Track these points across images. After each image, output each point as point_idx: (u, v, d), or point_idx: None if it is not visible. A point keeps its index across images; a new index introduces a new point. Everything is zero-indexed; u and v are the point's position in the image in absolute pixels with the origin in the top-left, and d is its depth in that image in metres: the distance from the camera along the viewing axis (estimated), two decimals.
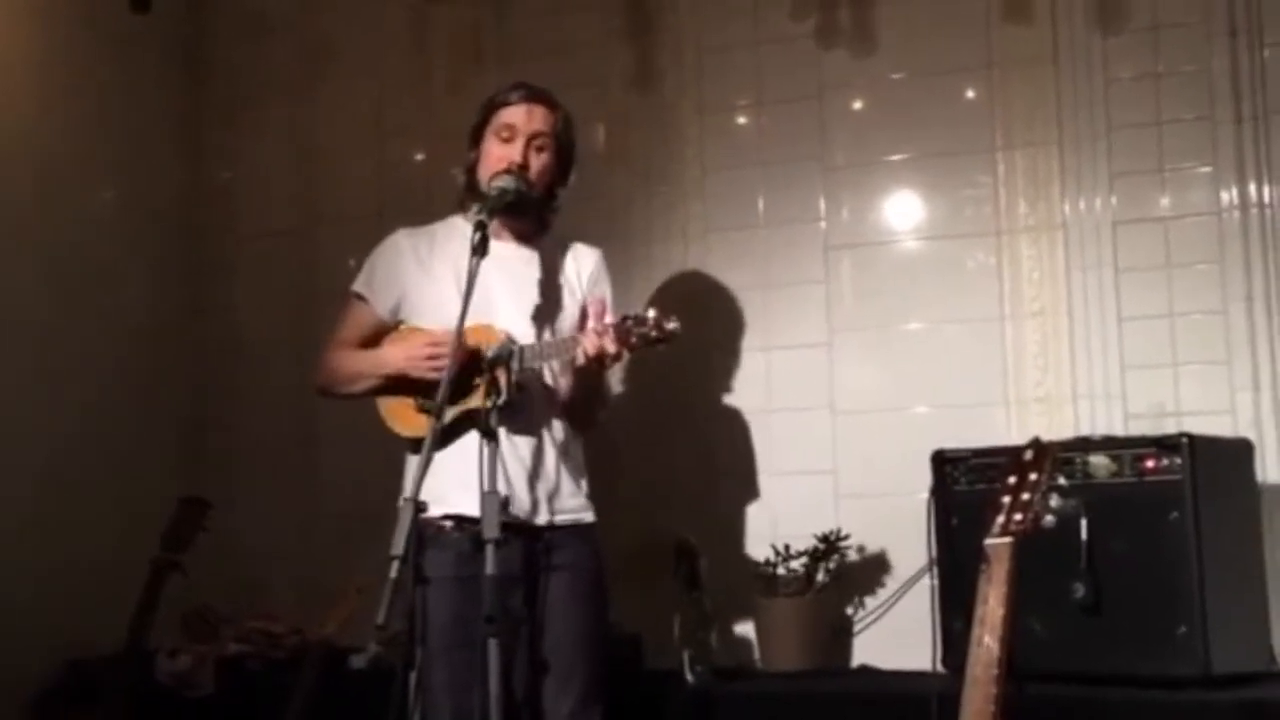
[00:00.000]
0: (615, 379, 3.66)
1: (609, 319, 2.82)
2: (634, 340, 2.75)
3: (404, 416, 2.97)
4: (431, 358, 2.89)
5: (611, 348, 2.76)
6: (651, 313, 2.77)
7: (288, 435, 4.36)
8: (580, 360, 2.81)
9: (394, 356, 3.00)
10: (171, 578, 3.54)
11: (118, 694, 3.50)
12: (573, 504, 3.02)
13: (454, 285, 2.88)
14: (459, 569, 2.72)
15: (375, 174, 4.41)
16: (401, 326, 3.10)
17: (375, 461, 3.88)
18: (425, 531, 2.80)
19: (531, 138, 3.02)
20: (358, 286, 3.15)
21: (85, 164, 4.21)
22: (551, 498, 2.97)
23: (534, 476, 2.94)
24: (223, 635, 3.91)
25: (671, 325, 2.73)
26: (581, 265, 3.12)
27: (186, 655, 3.78)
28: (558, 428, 3.02)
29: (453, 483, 2.75)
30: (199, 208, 4.57)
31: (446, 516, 2.84)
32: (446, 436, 2.82)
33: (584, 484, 3.07)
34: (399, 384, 2.97)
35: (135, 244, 4.37)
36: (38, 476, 3.89)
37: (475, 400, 2.73)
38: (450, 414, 2.75)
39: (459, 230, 3.05)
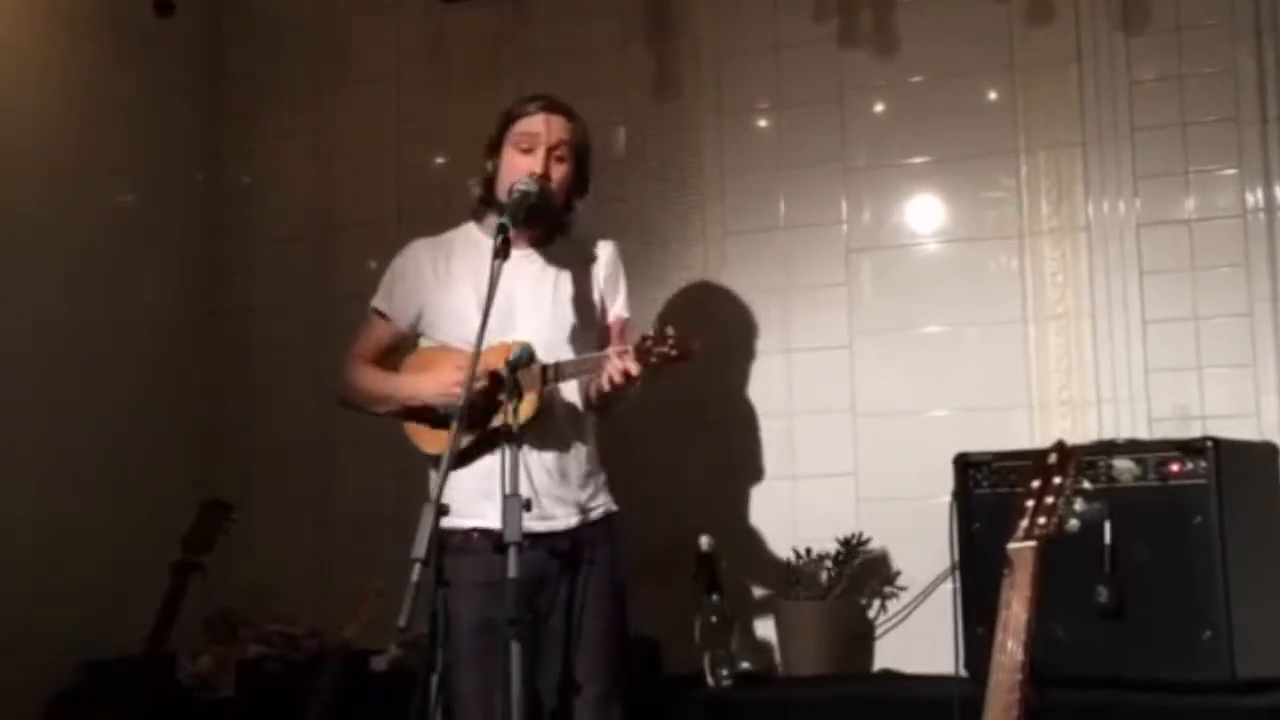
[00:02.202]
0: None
1: (627, 337, 2.85)
2: (653, 360, 2.75)
3: (429, 434, 2.99)
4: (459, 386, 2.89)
5: (634, 369, 2.76)
6: (672, 331, 2.76)
7: (304, 438, 4.36)
8: (606, 387, 2.82)
9: (426, 388, 2.99)
10: (193, 579, 3.53)
11: (136, 696, 3.50)
12: (599, 499, 3.03)
13: (473, 295, 2.88)
14: (488, 574, 2.72)
15: (393, 179, 4.40)
16: (421, 344, 3.11)
17: (392, 465, 3.91)
18: (453, 541, 2.84)
19: (552, 148, 3.01)
20: (377, 302, 3.16)
21: (104, 167, 4.21)
22: (578, 501, 2.98)
23: (562, 485, 2.96)
24: (243, 637, 3.90)
25: (694, 345, 2.74)
26: (599, 263, 3.12)
27: (208, 657, 3.78)
28: (584, 430, 3.03)
29: (479, 496, 2.77)
30: (217, 211, 4.58)
31: (474, 530, 2.84)
32: (472, 454, 2.84)
33: (603, 477, 3.08)
34: (423, 411, 2.99)
35: (153, 247, 4.37)
36: (54, 478, 3.89)
37: (499, 420, 2.73)
38: (473, 434, 2.79)
39: (475, 239, 3.06)
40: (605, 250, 3.14)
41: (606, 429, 3.13)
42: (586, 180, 3.11)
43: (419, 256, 3.14)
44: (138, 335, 4.24)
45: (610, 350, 2.82)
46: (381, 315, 3.15)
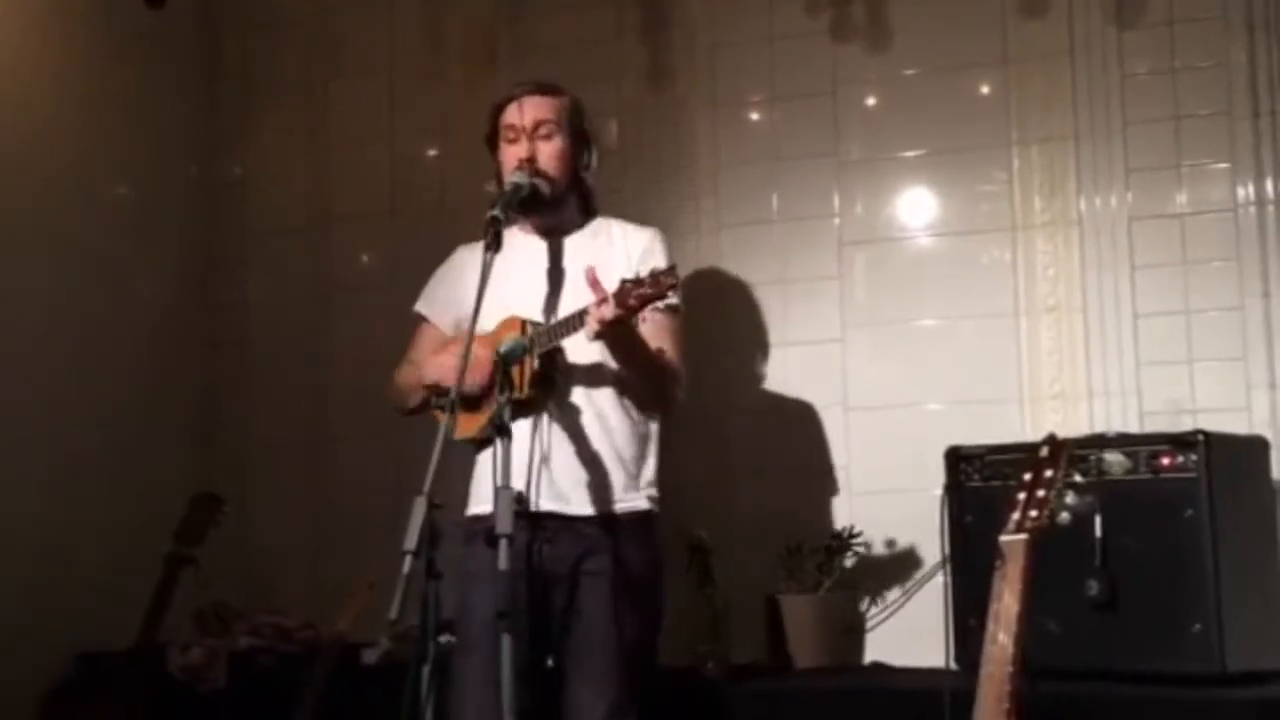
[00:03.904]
0: None
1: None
2: (633, 302, 2.66)
3: (460, 419, 2.95)
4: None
5: (609, 313, 2.67)
6: (647, 270, 2.69)
7: (300, 432, 4.36)
8: (589, 337, 2.74)
9: (430, 365, 3.00)
10: (185, 573, 3.54)
11: (131, 688, 3.51)
12: (621, 492, 2.93)
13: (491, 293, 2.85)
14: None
15: (388, 171, 4.40)
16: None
17: (387, 457, 3.92)
18: (473, 528, 2.84)
19: (534, 130, 2.99)
20: (420, 307, 3.16)
21: (98, 161, 4.21)
22: (596, 486, 2.89)
23: (581, 466, 2.88)
24: (235, 630, 3.91)
25: (668, 280, 2.64)
26: (631, 247, 3.03)
27: (199, 649, 3.78)
28: (606, 412, 2.95)
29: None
30: (211, 205, 4.57)
31: None
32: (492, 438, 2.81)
33: (645, 470, 2.99)
34: (442, 393, 2.94)
35: (148, 241, 4.37)
36: (50, 473, 3.89)
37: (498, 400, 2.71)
38: (484, 420, 2.78)
39: (509, 239, 3.02)
40: (641, 236, 3.06)
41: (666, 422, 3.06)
42: (586, 152, 3.06)
43: (455, 260, 3.15)
44: (132, 330, 4.23)
45: (590, 303, 2.73)
46: (424, 319, 3.15)
